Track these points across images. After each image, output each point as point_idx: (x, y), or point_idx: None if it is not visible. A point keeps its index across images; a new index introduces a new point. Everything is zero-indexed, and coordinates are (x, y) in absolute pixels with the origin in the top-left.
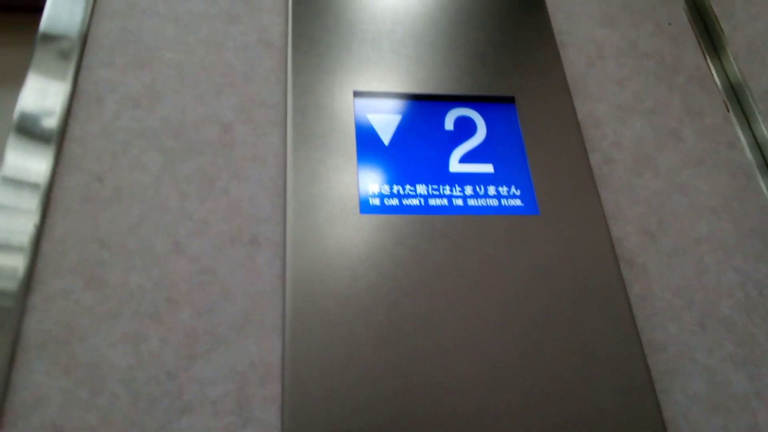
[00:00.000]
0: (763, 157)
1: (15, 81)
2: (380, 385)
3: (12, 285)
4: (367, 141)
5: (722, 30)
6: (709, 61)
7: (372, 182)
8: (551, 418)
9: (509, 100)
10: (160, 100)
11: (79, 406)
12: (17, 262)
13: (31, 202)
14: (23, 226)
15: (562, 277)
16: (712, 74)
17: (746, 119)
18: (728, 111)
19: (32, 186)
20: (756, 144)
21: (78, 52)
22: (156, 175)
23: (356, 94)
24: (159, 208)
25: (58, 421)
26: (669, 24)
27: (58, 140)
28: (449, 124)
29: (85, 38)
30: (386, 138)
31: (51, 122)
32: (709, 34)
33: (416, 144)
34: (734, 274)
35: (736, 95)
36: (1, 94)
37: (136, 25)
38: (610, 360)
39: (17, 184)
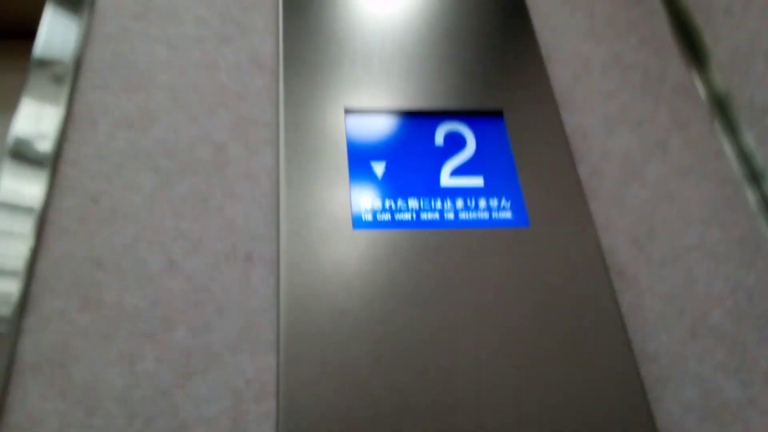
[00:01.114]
0: (749, 167)
1: (9, 106)
2: (375, 400)
3: (6, 310)
4: (358, 162)
5: (705, 42)
6: (693, 72)
7: (364, 198)
8: (545, 429)
9: (498, 114)
10: (154, 122)
11: (75, 426)
12: (12, 287)
13: (26, 226)
14: (18, 251)
15: (554, 289)
16: (696, 86)
17: (731, 130)
18: (713, 122)
19: (27, 210)
20: (742, 154)
21: (72, 76)
22: (150, 194)
23: (347, 111)
24: (153, 227)
25: None
26: (652, 36)
27: (52, 163)
28: (439, 139)
29: (78, 62)
30: (377, 156)
31: (45, 145)
32: (692, 46)
33: (407, 160)
34: (724, 282)
35: (721, 106)
36: None
37: (129, 48)
38: (602, 370)
39: (12, 208)
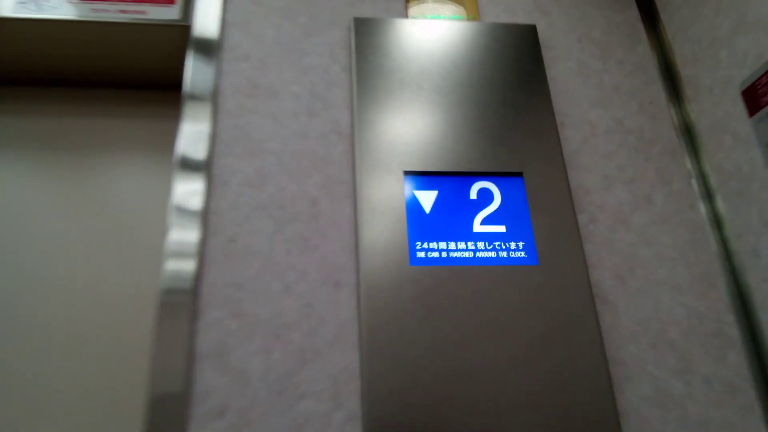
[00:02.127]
0: (715, 216)
1: (160, 147)
2: (427, 384)
3: (187, 285)
4: (413, 210)
5: (690, 111)
6: (680, 136)
7: (418, 241)
8: (541, 409)
9: (519, 174)
10: (267, 181)
11: (234, 395)
12: (186, 299)
13: (190, 262)
14: (186, 277)
15: (553, 311)
16: (683, 147)
17: (706, 190)
18: (690, 180)
19: (190, 249)
20: (712, 213)
21: (209, 146)
22: (269, 236)
23: (406, 173)
24: (273, 261)
25: (223, 405)
26: (650, 103)
27: (203, 214)
28: (473, 194)
29: (213, 135)
30: (427, 207)
31: (197, 201)
32: (681, 113)
33: (449, 211)
34: (682, 308)
35: (700, 169)
36: (154, 159)
37: (245, 122)
38: (583, 372)
39: (180, 247)
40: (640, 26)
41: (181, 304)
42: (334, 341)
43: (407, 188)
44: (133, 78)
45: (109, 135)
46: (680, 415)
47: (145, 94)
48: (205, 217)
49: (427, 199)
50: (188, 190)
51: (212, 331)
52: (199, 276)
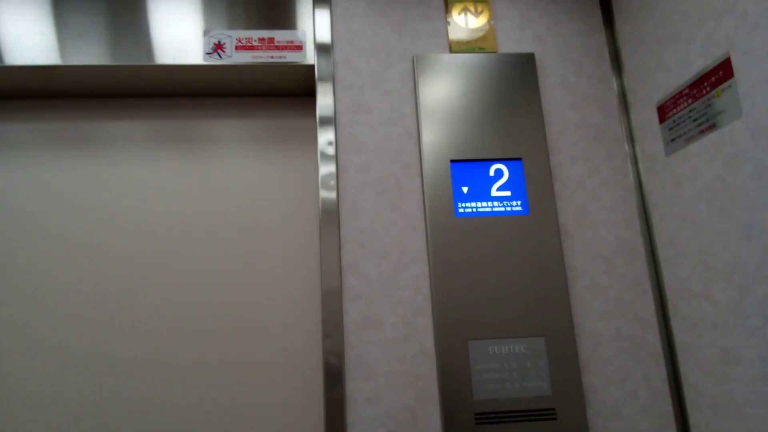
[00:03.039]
0: (639, 183)
1: (299, 142)
2: (465, 285)
3: (334, 208)
4: (456, 183)
5: (631, 113)
6: (623, 130)
7: (459, 202)
8: (521, 301)
9: (519, 159)
10: (370, 167)
11: (363, 288)
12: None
13: (334, 203)
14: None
15: (536, 241)
16: (623, 138)
17: (635, 166)
18: (626, 157)
19: (333, 209)
20: (637, 180)
21: (335, 147)
22: (374, 201)
23: (451, 161)
24: (377, 215)
25: (357, 294)
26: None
27: (336, 188)
28: (491, 173)
29: (336, 140)
30: (464, 181)
31: (333, 182)
32: (626, 114)
33: (476, 183)
34: (613, 237)
35: (633, 152)
36: (292, 156)
37: (354, 131)
38: (550, 271)
39: (326, 210)
40: (605, 48)
41: (333, 237)
42: (414, 259)
43: (452, 170)
44: (271, 92)
45: (254, 133)
46: (604, 296)
47: (278, 101)
48: (337, 190)
49: (463, 176)
50: (326, 173)
51: (349, 255)
52: (339, 221)
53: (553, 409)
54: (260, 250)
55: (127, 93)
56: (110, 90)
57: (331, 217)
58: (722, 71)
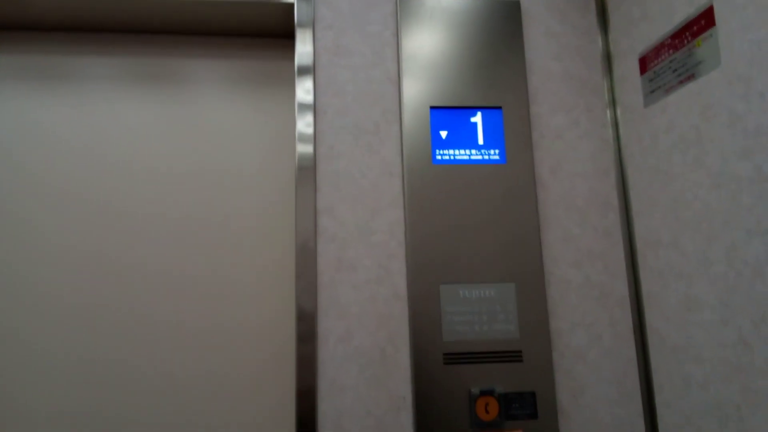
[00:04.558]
0: (617, 134)
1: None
2: (440, 228)
3: (310, 165)
4: (435, 129)
5: (612, 65)
6: (604, 81)
7: (437, 149)
8: (496, 240)
9: (499, 107)
10: (348, 111)
11: (338, 231)
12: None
13: (311, 158)
14: None
15: (512, 189)
16: (603, 88)
17: (614, 116)
18: (605, 109)
19: (309, 154)
20: (615, 131)
21: (313, 91)
22: (351, 145)
23: (431, 107)
24: (354, 160)
25: (333, 236)
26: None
27: (314, 134)
28: (471, 120)
29: (315, 84)
30: (442, 128)
31: (310, 129)
32: (609, 66)
33: (455, 131)
34: (588, 188)
35: (612, 102)
36: (263, 97)
37: (333, 73)
38: (523, 219)
39: (303, 157)
40: None
41: (309, 180)
42: (390, 205)
43: (431, 116)
44: (247, 31)
45: (224, 72)
46: (575, 246)
47: (258, 42)
48: (314, 133)
49: (443, 122)
50: (304, 116)
51: (324, 198)
52: (315, 166)
53: (520, 351)
54: (235, 193)
55: (102, 27)
56: (85, 23)
57: (307, 161)
58: (704, 20)
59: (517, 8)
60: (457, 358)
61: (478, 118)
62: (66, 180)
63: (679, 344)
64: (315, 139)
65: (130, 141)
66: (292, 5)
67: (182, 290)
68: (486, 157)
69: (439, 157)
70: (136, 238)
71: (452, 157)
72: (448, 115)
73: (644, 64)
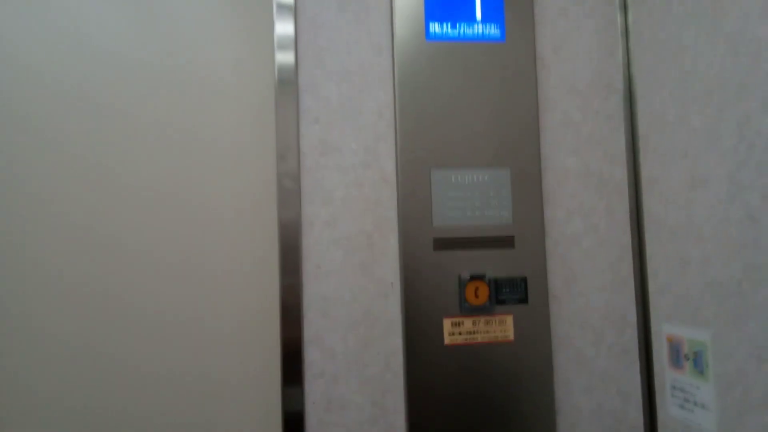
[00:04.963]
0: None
1: None
2: (435, 125)
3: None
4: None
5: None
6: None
7: (431, 21)
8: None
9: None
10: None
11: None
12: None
13: (292, 65)
14: None
15: (509, 71)
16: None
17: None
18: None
19: (290, 65)
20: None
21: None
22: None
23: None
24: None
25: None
26: None
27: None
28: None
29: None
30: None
31: (291, 40)
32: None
33: (452, 3)
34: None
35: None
36: None
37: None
38: (516, 118)
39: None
40: None
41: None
42: (379, 83)
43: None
44: None
45: None
46: (576, 132)
47: None
48: (294, 2)
49: None
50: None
51: (305, 75)
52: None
53: (512, 237)
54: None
55: None
56: None
57: (286, 39)
58: None
59: None
60: (447, 243)
61: None
62: (28, 60)
63: (679, 225)
64: (296, 7)
65: (96, 32)
66: None
67: (162, 212)
68: (485, 32)
69: (433, 32)
70: (106, 140)
71: (447, 32)
72: None
73: None
